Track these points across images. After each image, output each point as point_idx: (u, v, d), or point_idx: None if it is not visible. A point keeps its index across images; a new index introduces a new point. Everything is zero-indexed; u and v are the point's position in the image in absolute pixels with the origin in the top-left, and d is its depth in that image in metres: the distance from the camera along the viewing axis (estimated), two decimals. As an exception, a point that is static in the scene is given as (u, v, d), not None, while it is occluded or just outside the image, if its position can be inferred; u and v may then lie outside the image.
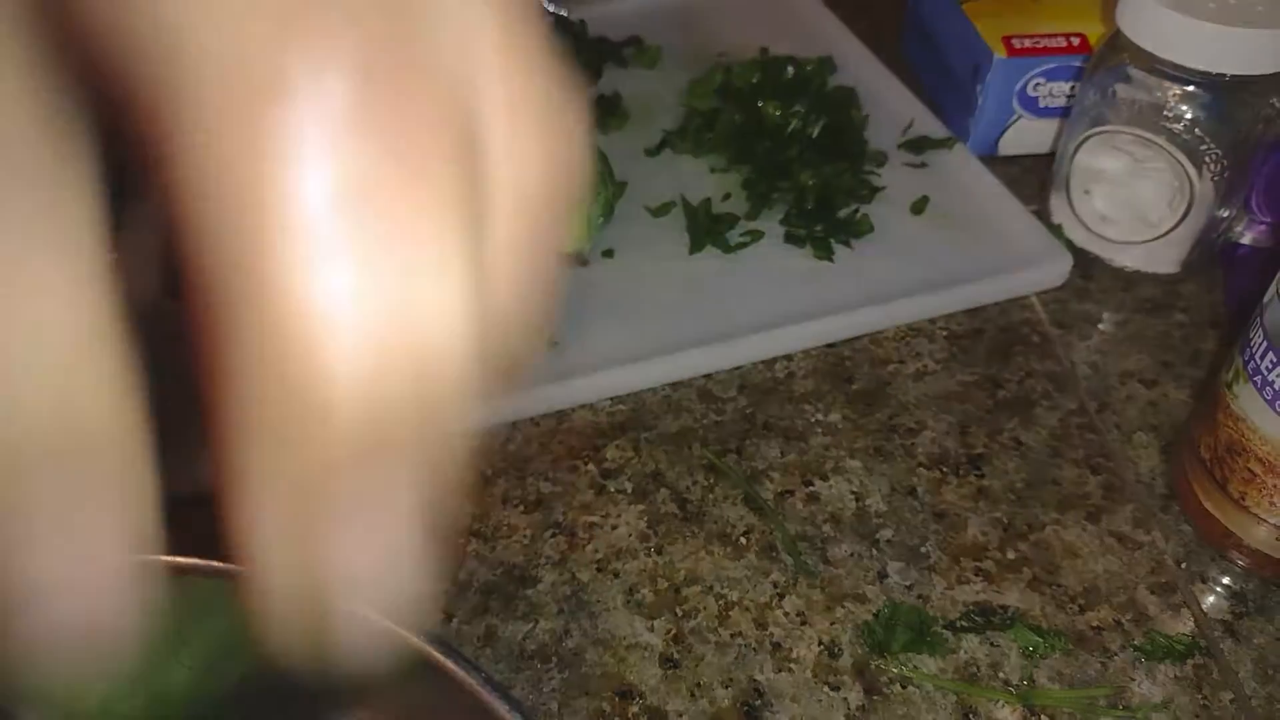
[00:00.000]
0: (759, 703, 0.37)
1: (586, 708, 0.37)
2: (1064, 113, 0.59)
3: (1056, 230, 0.55)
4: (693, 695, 0.37)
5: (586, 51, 0.68)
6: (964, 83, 0.61)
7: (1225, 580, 0.41)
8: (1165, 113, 0.49)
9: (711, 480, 0.44)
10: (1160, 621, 0.40)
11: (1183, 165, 0.49)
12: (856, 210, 0.56)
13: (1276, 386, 0.37)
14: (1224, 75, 0.47)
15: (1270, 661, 0.38)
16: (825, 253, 0.54)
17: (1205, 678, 0.38)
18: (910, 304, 0.51)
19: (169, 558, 0.27)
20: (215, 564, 0.27)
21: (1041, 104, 0.59)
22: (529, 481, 0.44)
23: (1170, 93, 0.48)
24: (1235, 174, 0.50)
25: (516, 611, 0.39)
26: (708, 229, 0.55)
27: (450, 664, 0.27)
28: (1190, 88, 0.48)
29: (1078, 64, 0.57)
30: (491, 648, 0.38)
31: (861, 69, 0.67)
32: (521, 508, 0.43)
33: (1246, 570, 0.41)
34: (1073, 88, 0.58)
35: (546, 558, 0.41)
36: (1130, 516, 0.43)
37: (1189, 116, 0.48)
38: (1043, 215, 0.57)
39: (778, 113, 0.59)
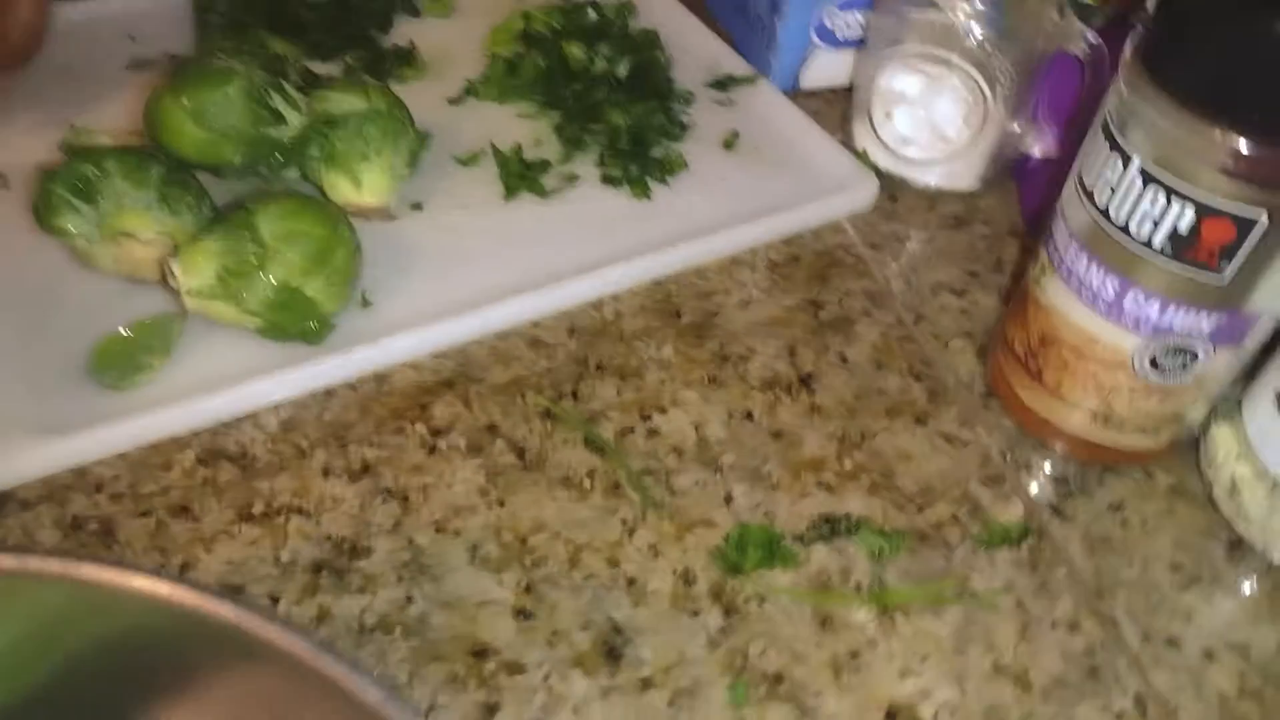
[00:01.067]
0: (620, 640, 0.36)
1: (439, 673, 0.34)
2: (860, 43, 0.61)
3: (862, 156, 0.56)
4: (550, 644, 0.35)
5: (374, 1, 0.64)
6: (762, 19, 0.62)
7: (1047, 467, 0.43)
8: (955, 30, 0.50)
9: (549, 427, 0.42)
10: (993, 512, 0.41)
11: (976, 81, 0.51)
12: (669, 149, 0.55)
13: (1081, 276, 0.39)
14: (1004, -11, 0.48)
15: (1095, 536, 0.40)
16: (643, 191, 0.53)
17: (1039, 558, 0.39)
18: (731, 235, 0.51)
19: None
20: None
21: (838, 35, 0.60)
22: (351, 449, 0.41)
23: (960, 10, 0.50)
24: (1023, 87, 0.52)
25: (351, 586, 0.37)
26: (521, 175, 0.53)
27: (282, 638, 0.24)
28: (977, 4, 0.49)
29: (867, -7, 0.59)
30: (327, 626, 0.36)
31: (660, 12, 0.67)
32: (345, 478, 0.40)
33: (1065, 455, 0.43)
34: (867, 17, 0.60)
35: (378, 526, 0.39)
36: (955, 417, 0.44)
37: (979, 33, 0.50)
38: (847, 143, 0.58)
39: (582, 55, 0.58)
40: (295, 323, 0.41)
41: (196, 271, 0.40)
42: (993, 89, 0.51)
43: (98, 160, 0.41)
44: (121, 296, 0.44)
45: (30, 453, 0.38)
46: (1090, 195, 0.38)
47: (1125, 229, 0.37)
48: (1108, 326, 0.39)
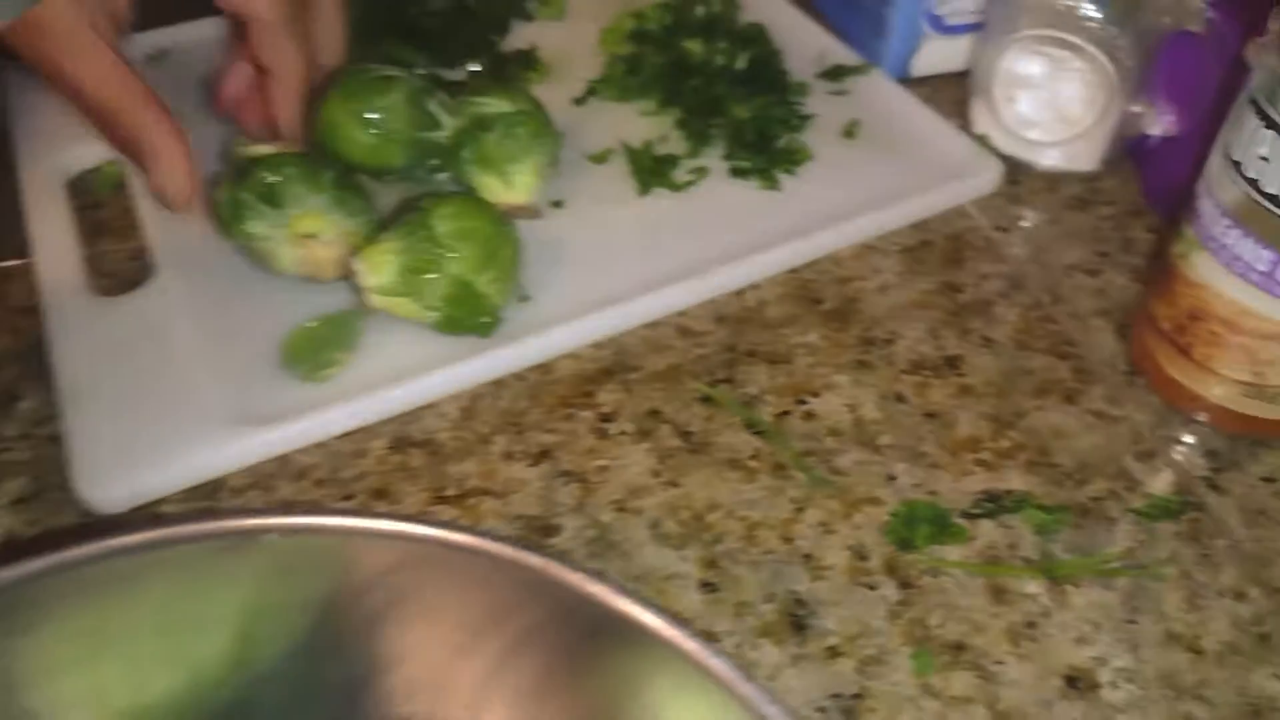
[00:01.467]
0: (804, 612, 0.37)
1: (635, 644, 0.36)
2: (970, 29, 0.62)
3: (982, 139, 0.57)
4: (737, 615, 0.37)
5: (489, 7, 0.66)
6: (870, 10, 0.63)
7: (1197, 441, 0.44)
8: (1078, 12, 0.51)
9: (709, 411, 0.44)
10: (1150, 486, 0.42)
11: (1101, 61, 0.52)
12: (792, 140, 0.57)
13: (1232, 249, 0.40)
14: (1131, -28, 0.49)
15: (1251, 507, 0.41)
16: (771, 182, 0.54)
17: (1200, 530, 0.40)
18: (861, 222, 0.52)
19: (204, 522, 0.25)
20: (244, 523, 0.26)
21: (948, 22, 0.61)
22: (528, 435, 0.43)
23: (1081, -7, 0.51)
24: (1142, 67, 0.53)
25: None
26: (653, 170, 0.54)
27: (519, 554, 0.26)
28: (1099, -13, 0.50)
29: (981, -20, 0.60)
30: (525, 601, 0.38)
31: (764, 5, 0.68)
32: (527, 461, 0.42)
33: (1214, 428, 0.44)
34: (976, 3, 0.61)
35: (563, 505, 0.41)
36: (1102, 394, 0.45)
37: (1100, 14, 0.51)
38: (964, 127, 0.59)
39: (701, 50, 0.60)
40: (469, 316, 0.43)
41: (380, 269, 0.42)
42: (1117, 70, 0.52)
43: (278, 166, 0.44)
44: (303, 295, 0.46)
45: (236, 443, 0.40)
46: (1239, 168, 0.39)
47: (1277, 199, 0.38)
48: (1262, 297, 0.40)
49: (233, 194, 0.44)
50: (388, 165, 0.48)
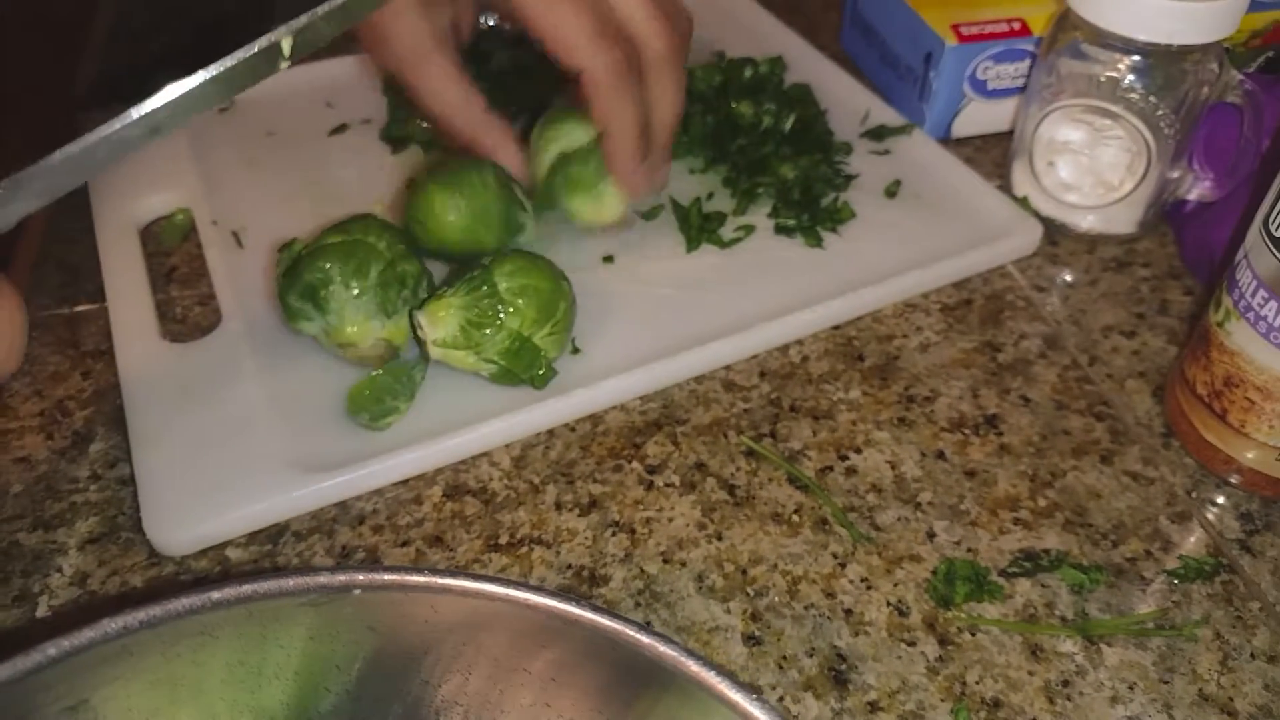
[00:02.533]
0: (844, 666, 0.39)
1: (681, 693, 0.38)
2: (1011, 93, 0.63)
3: (1022, 202, 0.59)
4: (780, 668, 0.39)
5: (546, 66, 0.68)
6: (913, 72, 0.65)
7: (1231, 504, 0.45)
8: (1120, 83, 0.52)
9: (753, 465, 0.46)
10: (1183, 547, 0.43)
11: (1140, 131, 0.53)
12: (836, 198, 0.59)
13: (1270, 320, 0.41)
14: (1170, 45, 0.51)
15: (1286, 571, 0.42)
16: (815, 240, 0.56)
17: (1233, 592, 0.41)
18: (905, 280, 0.54)
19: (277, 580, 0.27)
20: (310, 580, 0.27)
21: (990, 86, 0.63)
22: (578, 485, 0.45)
23: (1122, 64, 0.52)
24: (1182, 135, 0.54)
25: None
26: (701, 227, 0.56)
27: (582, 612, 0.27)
28: (1138, 58, 0.52)
29: (1021, 47, 0.61)
30: (575, 648, 0.39)
31: (809, 66, 0.70)
32: (576, 511, 0.44)
33: (1249, 492, 0.45)
34: (1017, 69, 0.62)
35: (612, 555, 0.42)
36: (1138, 456, 0.46)
37: (1141, 86, 0.52)
38: (1004, 188, 0.60)
39: (750, 111, 0.62)
40: (525, 369, 0.45)
41: (442, 324, 0.44)
42: (1156, 139, 0.53)
43: (322, 264, 0.44)
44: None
45: (299, 489, 0.42)
46: (1277, 241, 0.40)
47: (1315, 278, 0.39)
48: (1297, 370, 0.41)
49: (282, 293, 0.45)
50: (481, 247, 0.50)
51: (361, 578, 0.24)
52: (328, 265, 0.44)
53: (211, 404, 0.46)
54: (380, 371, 0.45)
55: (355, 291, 0.44)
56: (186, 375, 0.47)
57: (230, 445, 0.44)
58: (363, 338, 0.45)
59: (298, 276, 0.44)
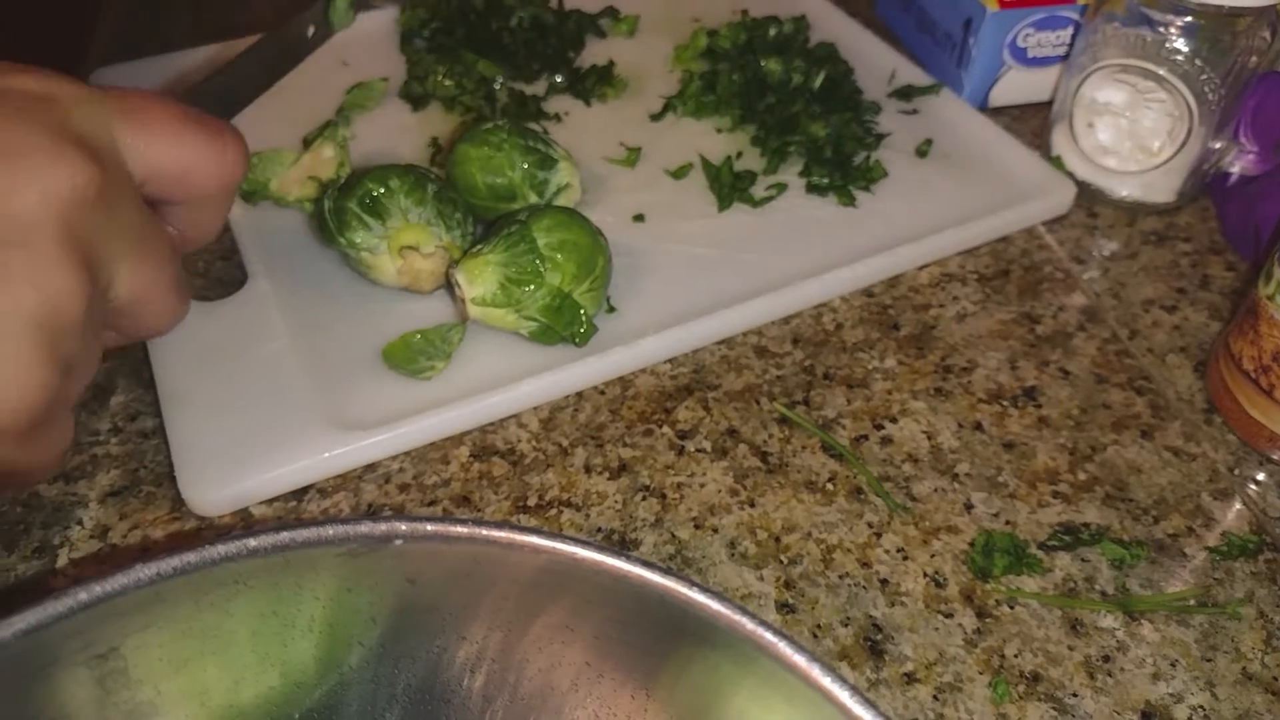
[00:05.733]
0: (880, 636, 0.38)
1: (713, 660, 0.37)
2: (1052, 61, 0.62)
3: (1056, 161, 0.57)
4: (815, 636, 0.38)
5: (565, 24, 0.67)
6: (951, 39, 0.63)
7: (1274, 481, 0.44)
8: (1166, 46, 0.51)
9: (786, 432, 0.45)
10: (1226, 524, 0.42)
11: (1183, 95, 0.51)
12: (868, 157, 0.57)
13: (1324, 294, 0.40)
14: (1222, 7, 0.49)
15: (1332, 551, 0.41)
16: (848, 199, 0.55)
17: (1277, 571, 0.40)
18: (940, 239, 0.52)
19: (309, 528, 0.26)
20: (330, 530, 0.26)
21: (1030, 54, 0.61)
22: (608, 448, 0.44)
23: (1170, 27, 0.51)
24: (1229, 104, 0.53)
25: (621, 575, 0.39)
26: (732, 186, 0.55)
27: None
28: (1189, 19, 0.50)
29: (1064, 14, 0.60)
30: (605, 613, 0.38)
31: (832, 25, 0.69)
32: (606, 474, 0.43)
33: (1293, 470, 0.44)
34: (1058, 36, 0.61)
35: (642, 520, 0.41)
36: (1179, 431, 0.45)
37: (1187, 49, 0.51)
38: (1039, 150, 0.59)
39: (779, 69, 0.60)
40: (564, 327, 0.44)
41: (480, 282, 0.43)
42: (1199, 105, 0.52)
43: (384, 179, 0.45)
44: (397, 304, 0.47)
45: (330, 448, 0.41)
46: (1334, 217, 0.39)
47: (1374, 251, 0.38)
48: (1351, 346, 0.40)
49: (338, 204, 0.45)
50: (509, 204, 0.50)
51: (404, 527, 0.23)
52: (389, 178, 0.44)
53: (243, 362, 0.45)
54: (418, 334, 0.44)
55: (415, 201, 0.45)
56: (215, 333, 0.46)
57: (264, 404, 0.43)
58: (425, 240, 0.45)
59: (357, 186, 0.45)
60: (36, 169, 0.30)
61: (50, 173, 0.30)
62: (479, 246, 0.44)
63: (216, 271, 0.51)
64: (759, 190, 0.56)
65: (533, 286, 0.43)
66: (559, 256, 0.43)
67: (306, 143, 0.55)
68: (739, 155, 0.58)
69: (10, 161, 0.30)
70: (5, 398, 0.30)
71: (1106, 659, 0.38)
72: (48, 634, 0.23)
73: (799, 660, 0.23)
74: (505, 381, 0.44)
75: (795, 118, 0.59)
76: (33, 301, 0.29)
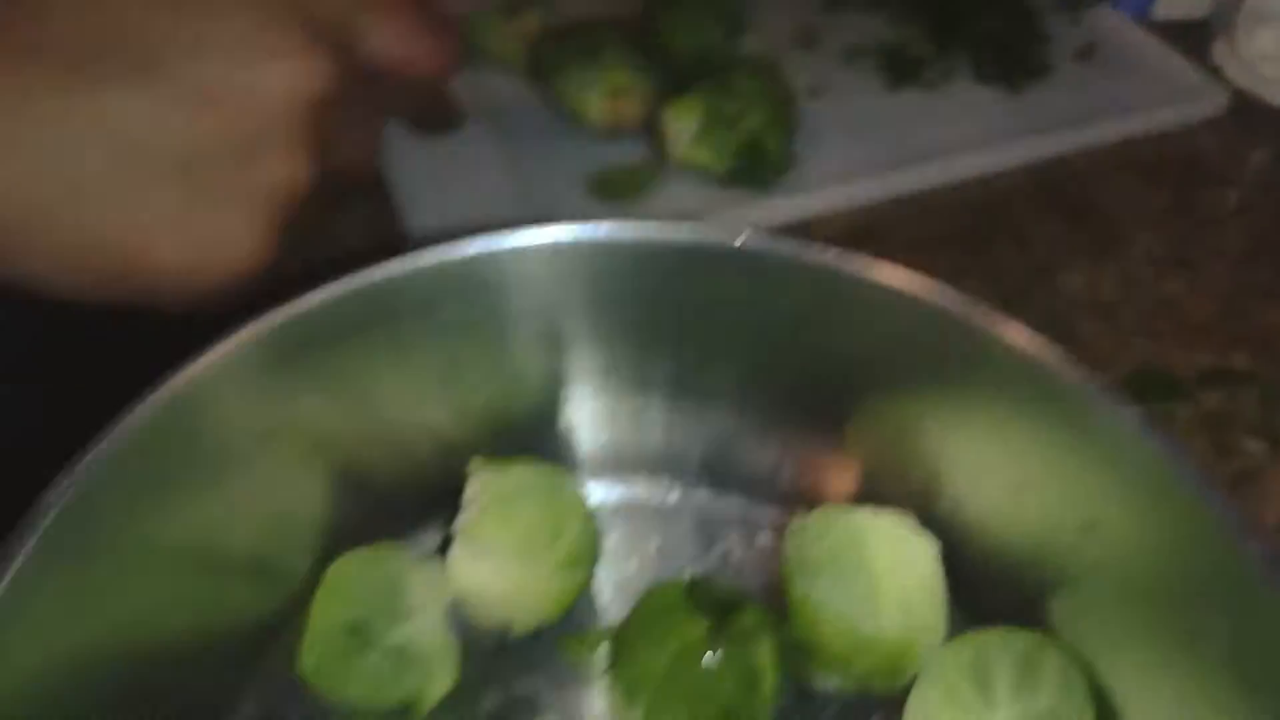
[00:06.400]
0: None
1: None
2: (1214, -27, 0.64)
3: (1215, 71, 0.60)
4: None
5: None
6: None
7: None
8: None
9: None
10: (1368, 383, 0.45)
11: (1354, 3, 0.54)
12: (1032, 54, 0.61)
13: None
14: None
15: None
16: (1015, 88, 0.59)
17: None
18: (1098, 129, 0.56)
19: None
20: None
21: (1193, -35, 0.64)
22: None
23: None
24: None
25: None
26: (904, 70, 0.59)
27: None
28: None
29: (1232, -76, 0.62)
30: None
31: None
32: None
33: None
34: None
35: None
36: (1324, 304, 0.49)
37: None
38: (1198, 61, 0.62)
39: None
40: (755, 169, 0.49)
41: (685, 120, 0.48)
42: (1366, 14, 0.55)
43: (595, 32, 0.50)
44: (602, 145, 0.53)
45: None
46: None
47: None
48: None
49: (554, 49, 0.50)
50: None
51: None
52: (600, 27, 0.51)
53: (459, 193, 0.50)
54: (620, 170, 0.49)
55: (624, 53, 0.50)
56: (438, 166, 0.52)
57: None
58: (634, 83, 0.50)
59: (573, 41, 0.50)
60: (290, 70, 0.35)
61: (302, 72, 0.35)
62: (683, 92, 0.49)
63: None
64: (929, 75, 0.60)
65: (730, 129, 0.48)
66: (757, 102, 0.48)
67: (512, 7, 0.60)
68: (910, 45, 0.62)
69: (269, 62, 0.35)
70: (239, 257, 0.35)
71: (1248, 476, 0.42)
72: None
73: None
74: (692, 219, 0.49)
75: (962, 14, 0.62)
76: (273, 179, 0.35)
